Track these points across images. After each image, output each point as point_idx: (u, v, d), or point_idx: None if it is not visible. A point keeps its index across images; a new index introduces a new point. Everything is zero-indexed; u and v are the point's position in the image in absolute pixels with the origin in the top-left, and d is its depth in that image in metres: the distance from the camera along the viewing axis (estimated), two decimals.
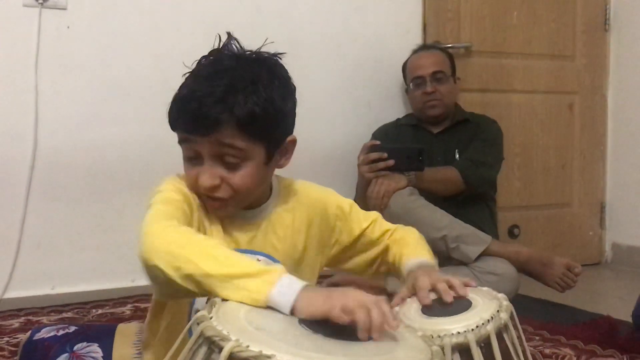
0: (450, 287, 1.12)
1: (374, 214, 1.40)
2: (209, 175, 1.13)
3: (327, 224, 1.34)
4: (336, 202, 1.36)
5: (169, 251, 0.96)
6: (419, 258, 1.28)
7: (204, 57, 1.20)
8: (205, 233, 1.18)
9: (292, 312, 0.88)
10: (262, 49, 1.22)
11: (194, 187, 1.17)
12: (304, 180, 1.38)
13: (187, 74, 1.20)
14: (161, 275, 0.96)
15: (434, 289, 1.12)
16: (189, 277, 0.93)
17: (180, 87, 1.18)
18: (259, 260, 1.20)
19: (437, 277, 1.15)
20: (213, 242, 1.00)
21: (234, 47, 1.20)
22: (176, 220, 1.06)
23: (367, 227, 1.37)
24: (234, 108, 1.10)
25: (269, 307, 0.89)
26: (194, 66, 1.20)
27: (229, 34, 1.22)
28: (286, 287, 0.89)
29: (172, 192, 1.14)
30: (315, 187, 1.38)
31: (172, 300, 1.20)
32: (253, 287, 0.90)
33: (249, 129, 1.12)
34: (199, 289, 0.94)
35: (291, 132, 1.24)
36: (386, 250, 1.36)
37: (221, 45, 1.21)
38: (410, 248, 1.32)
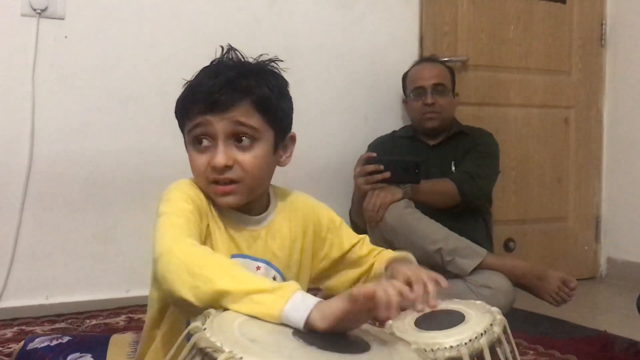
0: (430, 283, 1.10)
1: (362, 235, 1.42)
2: (223, 154, 1.17)
3: (319, 234, 1.36)
4: (328, 215, 1.38)
5: (188, 271, 0.97)
6: (394, 254, 1.29)
7: (205, 67, 1.25)
8: (210, 237, 1.20)
9: (307, 327, 0.88)
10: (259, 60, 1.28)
11: (204, 175, 1.20)
12: (298, 191, 1.40)
13: (188, 82, 1.24)
14: (178, 295, 0.97)
15: (408, 283, 1.09)
16: (206, 295, 0.94)
17: (186, 85, 1.23)
18: (258, 267, 1.23)
19: (415, 270, 1.14)
20: (230, 261, 1.02)
21: (234, 56, 1.25)
22: (191, 236, 1.08)
23: (356, 244, 1.38)
24: (248, 88, 1.17)
25: (282, 324, 0.89)
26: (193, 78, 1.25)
27: (229, 45, 1.26)
28: (299, 303, 0.90)
29: (182, 201, 1.16)
30: (310, 198, 1.40)
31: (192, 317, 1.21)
32: (268, 302, 0.90)
33: (262, 109, 1.19)
34: (213, 306, 0.94)
35: (291, 129, 1.31)
36: (370, 268, 1.36)
37: (222, 55, 1.26)
38: (390, 254, 1.34)
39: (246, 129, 1.18)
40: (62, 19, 2.47)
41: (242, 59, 1.25)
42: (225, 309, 0.92)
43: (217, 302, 0.93)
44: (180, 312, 1.11)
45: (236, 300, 0.92)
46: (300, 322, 0.88)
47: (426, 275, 1.12)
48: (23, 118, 2.42)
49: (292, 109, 1.29)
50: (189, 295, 0.95)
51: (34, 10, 2.41)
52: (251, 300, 0.91)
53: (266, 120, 1.20)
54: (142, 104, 2.55)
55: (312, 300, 0.90)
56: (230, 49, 1.26)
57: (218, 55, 1.26)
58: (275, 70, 1.26)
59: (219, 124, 1.16)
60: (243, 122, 1.17)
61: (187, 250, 1.02)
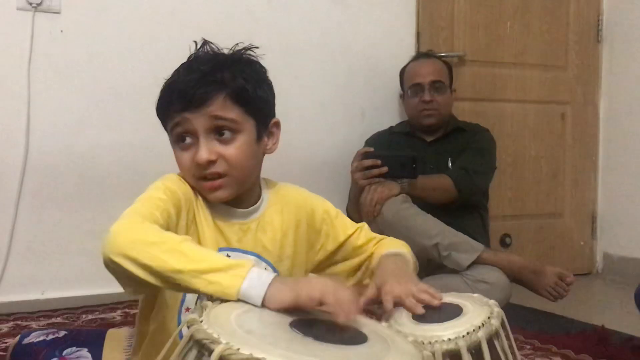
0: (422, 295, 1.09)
1: (361, 224, 1.40)
2: (205, 150, 1.16)
3: (313, 226, 1.35)
4: (323, 206, 1.37)
5: (135, 249, 0.96)
6: (395, 249, 1.28)
7: (182, 64, 1.24)
8: (197, 231, 1.19)
9: (263, 304, 0.90)
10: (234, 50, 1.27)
11: (190, 172, 1.19)
12: (291, 184, 1.39)
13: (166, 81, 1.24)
14: (123, 271, 0.97)
15: (400, 303, 1.08)
16: (157, 273, 0.94)
17: (163, 84, 1.23)
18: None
19: (406, 288, 1.10)
20: (180, 237, 1.00)
21: (209, 50, 1.25)
22: (150, 220, 1.05)
23: (353, 234, 1.37)
24: (222, 81, 1.16)
25: (240, 300, 0.91)
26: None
27: (204, 39, 1.26)
28: (256, 280, 0.91)
29: (158, 190, 1.15)
30: (303, 190, 1.39)
31: (137, 294, 1.19)
32: (224, 281, 0.92)
33: (238, 100, 1.17)
34: (167, 284, 0.95)
35: (274, 115, 1.29)
36: (370, 257, 1.35)
37: (197, 48, 1.25)
38: (390, 247, 1.33)
39: (225, 122, 1.17)
40: (58, 13, 2.46)
41: (217, 51, 1.24)
42: (181, 287, 0.94)
43: (172, 280, 0.93)
44: (125, 288, 1.05)
45: (191, 280, 0.93)
46: (257, 299, 0.90)
47: (416, 290, 1.10)
48: (18, 113, 2.41)
49: (273, 95, 1.27)
50: (140, 273, 0.95)
51: (30, 4, 2.40)
52: (206, 280, 0.92)
53: (245, 111, 1.19)
54: (138, 99, 2.54)
55: (268, 276, 0.92)
56: (205, 42, 1.25)
57: (218, 51, 1.25)
58: (252, 57, 1.25)
59: (198, 120, 1.16)
60: (221, 115, 1.16)
61: (132, 228, 1.00)
